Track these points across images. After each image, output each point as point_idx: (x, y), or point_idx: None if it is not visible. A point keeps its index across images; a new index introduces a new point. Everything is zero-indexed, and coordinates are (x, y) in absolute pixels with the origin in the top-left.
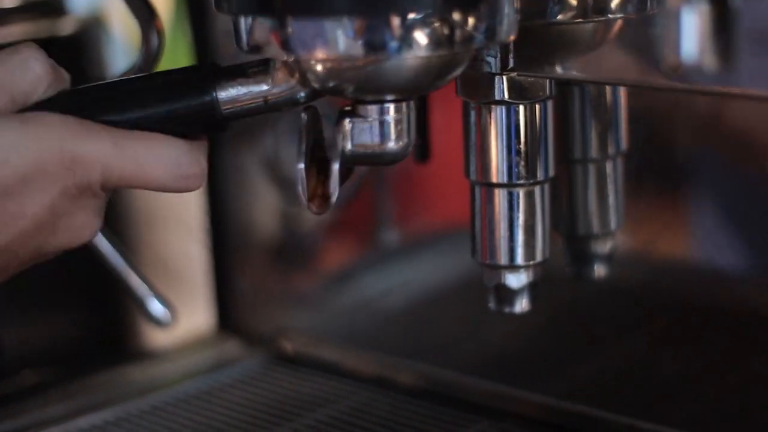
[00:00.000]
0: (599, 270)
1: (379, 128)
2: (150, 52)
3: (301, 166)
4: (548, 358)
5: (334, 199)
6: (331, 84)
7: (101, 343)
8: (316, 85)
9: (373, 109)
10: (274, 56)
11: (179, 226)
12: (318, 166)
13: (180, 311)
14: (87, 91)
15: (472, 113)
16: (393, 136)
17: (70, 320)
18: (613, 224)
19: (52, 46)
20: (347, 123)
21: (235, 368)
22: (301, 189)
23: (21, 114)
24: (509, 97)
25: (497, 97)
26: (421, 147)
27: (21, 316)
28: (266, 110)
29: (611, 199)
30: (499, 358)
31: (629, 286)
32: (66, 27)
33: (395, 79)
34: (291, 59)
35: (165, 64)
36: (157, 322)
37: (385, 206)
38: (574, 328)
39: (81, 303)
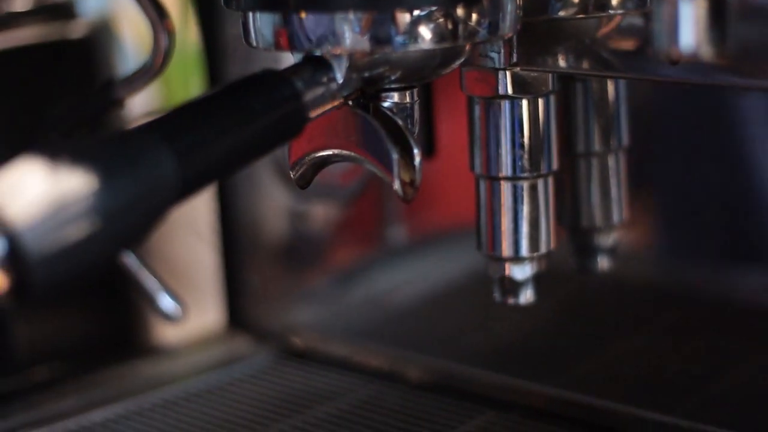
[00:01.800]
0: (603, 263)
1: (411, 111)
2: (160, 52)
3: (396, 156)
4: (554, 350)
5: (418, 183)
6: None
7: (113, 339)
8: (365, 75)
9: (406, 94)
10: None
11: (189, 224)
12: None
13: (190, 308)
14: (182, 113)
15: (477, 108)
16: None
17: (81, 316)
18: (615, 217)
19: (62, 50)
20: (410, 107)
21: (245, 364)
22: (396, 178)
23: None
24: (513, 92)
25: (501, 92)
26: (427, 142)
27: (33, 312)
28: (332, 107)
29: (614, 193)
30: (506, 350)
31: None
32: (76, 30)
33: (429, 65)
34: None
35: (174, 64)
36: (167, 317)
37: (391, 202)
38: (579, 320)
39: (93, 299)
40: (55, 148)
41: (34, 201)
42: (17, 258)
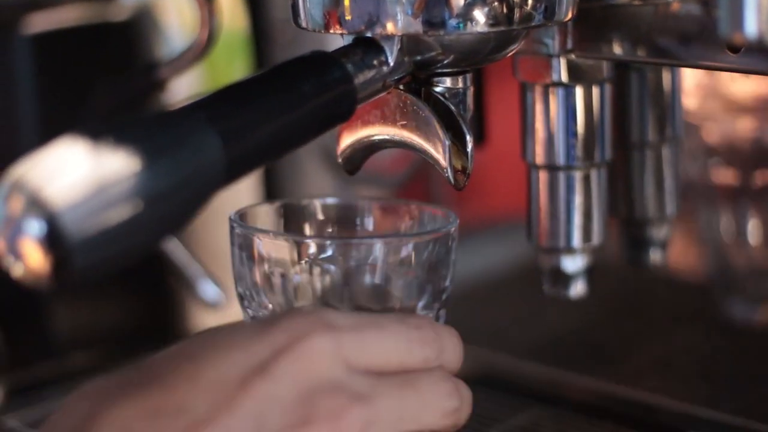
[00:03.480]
0: (655, 256)
1: (464, 97)
2: (205, 34)
3: (448, 142)
4: (604, 343)
5: (471, 171)
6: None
7: (152, 326)
8: (417, 59)
9: (459, 79)
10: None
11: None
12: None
13: (232, 295)
14: (228, 94)
15: (530, 95)
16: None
17: (121, 301)
18: (669, 210)
19: (105, 32)
20: (463, 93)
21: None
22: (448, 165)
23: None
24: (567, 79)
25: (555, 79)
26: (478, 129)
27: (72, 298)
28: (382, 90)
29: (668, 184)
30: (555, 344)
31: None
32: (119, 13)
33: (482, 50)
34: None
35: (220, 48)
36: (209, 304)
37: (440, 191)
38: (630, 314)
39: (132, 285)
40: (97, 128)
41: (75, 182)
42: (57, 240)
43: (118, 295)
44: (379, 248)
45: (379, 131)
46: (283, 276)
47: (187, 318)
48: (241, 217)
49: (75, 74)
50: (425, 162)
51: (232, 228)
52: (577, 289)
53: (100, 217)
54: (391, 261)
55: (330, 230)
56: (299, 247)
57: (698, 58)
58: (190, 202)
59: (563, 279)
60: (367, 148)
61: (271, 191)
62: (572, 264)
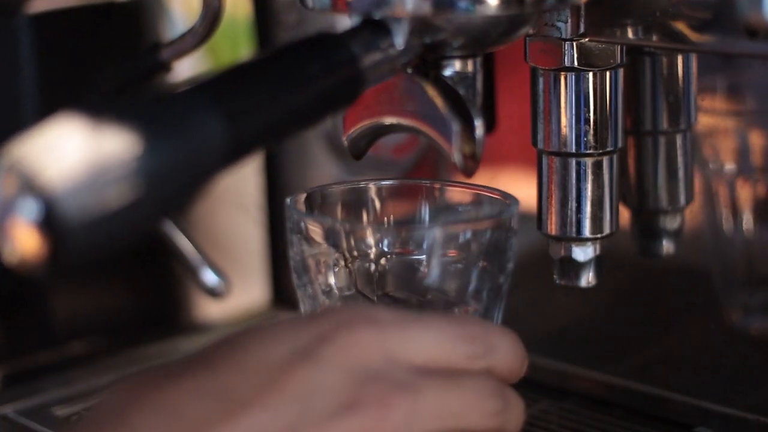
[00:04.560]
0: (667, 246)
1: (473, 81)
2: (209, 16)
3: (456, 127)
4: (614, 336)
5: (480, 157)
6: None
7: (153, 314)
8: (426, 41)
9: (468, 63)
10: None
11: (235, 197)
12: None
13: (234, 283)
14: (232, 75)
15: (540, 80)
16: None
17: (121, 289)
18: (682, 199)
19: (109, 13)
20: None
21: None
22: (456, 151)
23: None
24: (579, 64)
25: (567, 64)
26: (487, 115)
27: (71, 283)
28: (389, 74)
29: (681, 173)
30: (564, 335)
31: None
32: None
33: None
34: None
35: (223, 31)
36: (210, 292)
37: (447, 177)
38: (641, 305)
39: (133, 272)
40: (97, 107)
41: (72, 162)
42: (54, 222)
43: (118, 283)
44: (435, 235)
45: (386, 115)
46: (336, 264)
47: (188, 306)
48: (296, 202)
49: (77, 56)
50: (432, 147)
51: (289, 214)
52: (588, 278)
53: (98, 199)
54: (447, 248)
55: (386, 214)
56: (354, 234)
57: (714, 43)
58: (191, 185)
59: (573, 268)
60: (374, 133)
61: (273, 178)
62: (583, 253)
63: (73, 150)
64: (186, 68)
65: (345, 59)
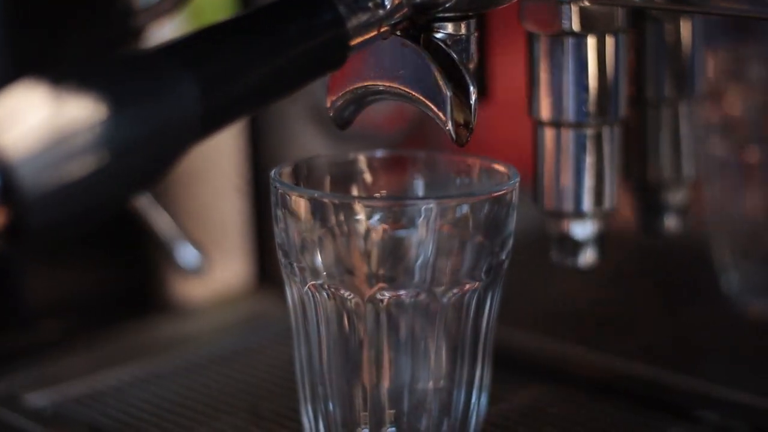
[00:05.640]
0: (670, 222)
1: (467, 44)
2: None
3: (449, 93)
4: (614, 317)
5: (473, 125)
6: None
7: (129, 293)
8: (415, 1)
9: (462, 25)
10: None
11: (218, 176)
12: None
13: (215, 261)
14: (207, 36)
15: (537, 45)
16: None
17: (94, 268)
18: (686, 172)
19: None
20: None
21: (274, 323)
22: (449, 119)
23: None
24: (579, 28)
25: (565, 28)
26: (479, 81)
27: (44, 264)
28: (377, 36)
29: (685, 145)
30: (562, 317)
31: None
32: None
33: None
34: None
35: None
36: (188, 270)
37: (439, 147)
38: (642, 286)
39: (108, 250)
40: (60, 72)
41: (32, 130)
42: (12, 194)
43: (92, 261)
44: (430, 209)
45: (374, 81)
46: (323, 238)
47: (167, 285)
48: (281, 174)
49: (48, 21)
50: (424, 116)
51: (274, 187)
52: (587, 257)
53: (60, 169)
54: (443, 223)
55: (378, 188)
56: (343, 207)
57: (720, 3)
58: (162, 156)
59: (572, 246)
60: (361, 101)
61: (256, 151)
62: (582, 230)
63: (34, 116)
64: (166, 34)
65: (329, 20)
